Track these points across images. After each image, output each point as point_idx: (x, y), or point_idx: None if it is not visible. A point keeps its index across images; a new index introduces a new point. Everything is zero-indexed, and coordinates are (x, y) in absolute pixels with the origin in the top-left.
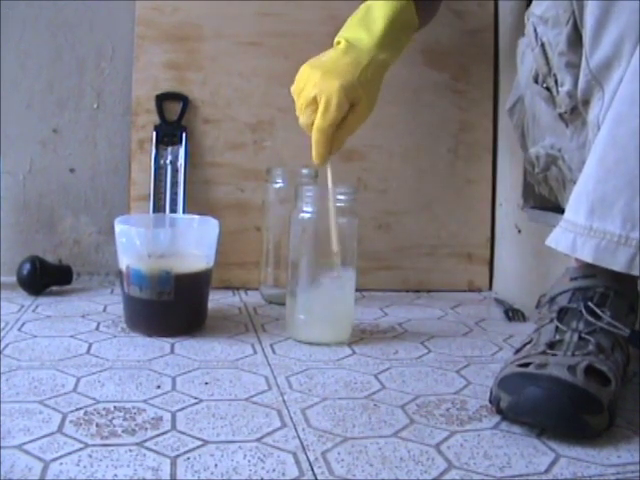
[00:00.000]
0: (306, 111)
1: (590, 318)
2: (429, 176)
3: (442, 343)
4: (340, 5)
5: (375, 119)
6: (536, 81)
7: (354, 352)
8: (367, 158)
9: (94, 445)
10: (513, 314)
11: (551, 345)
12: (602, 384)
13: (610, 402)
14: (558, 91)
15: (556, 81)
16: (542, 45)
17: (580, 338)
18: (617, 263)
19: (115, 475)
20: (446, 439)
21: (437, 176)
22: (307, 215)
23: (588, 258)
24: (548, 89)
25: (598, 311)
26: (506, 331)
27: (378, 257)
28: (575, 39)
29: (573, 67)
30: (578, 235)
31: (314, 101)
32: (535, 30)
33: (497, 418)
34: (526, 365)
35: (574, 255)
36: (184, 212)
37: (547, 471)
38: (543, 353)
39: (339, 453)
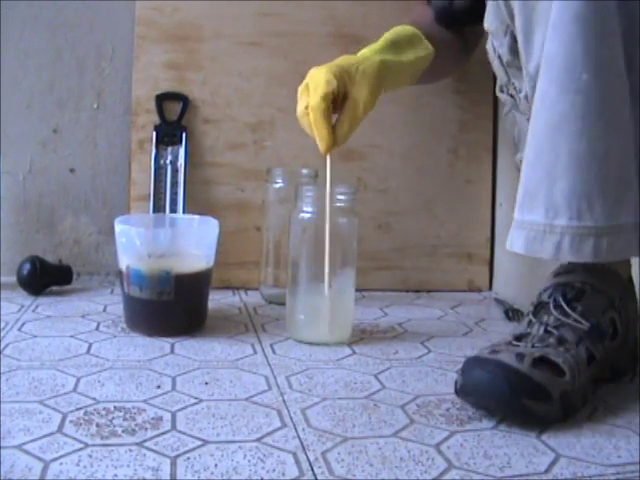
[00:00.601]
0: (301, 99)
1: (555, 312)
2: (429, 176)
3: (442, 343)
4: (340, 5)
5: (375, 119)
6: (502, 91)
7: (354, 352)
8: (367, 158)
9: (94, 445)
10: (513, 314)
11: (519, 337)
12: (557, 375)
13: (563, 393)
14: (520, 98)
15: (515, 88)
16: (499, 56)
17: (545, 331)
18: (545, 251)
19: (115, 475)
20: (446, 439)
21: (437, 176)
22: (307, 215)
23: (521, 250)
24: (513, 97)
25: (565, 306)
26: (506, 331)
27: (378, 257)
28: (516, 48)
29: (522, 73)
30: (514, 229)
31: (306, 88)
32: (492, 43)
33: (497, 418)
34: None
35: (511, 249)
36: (184, 212)
37: (547, 471)
38: (509, 344)
39: (339, 453)
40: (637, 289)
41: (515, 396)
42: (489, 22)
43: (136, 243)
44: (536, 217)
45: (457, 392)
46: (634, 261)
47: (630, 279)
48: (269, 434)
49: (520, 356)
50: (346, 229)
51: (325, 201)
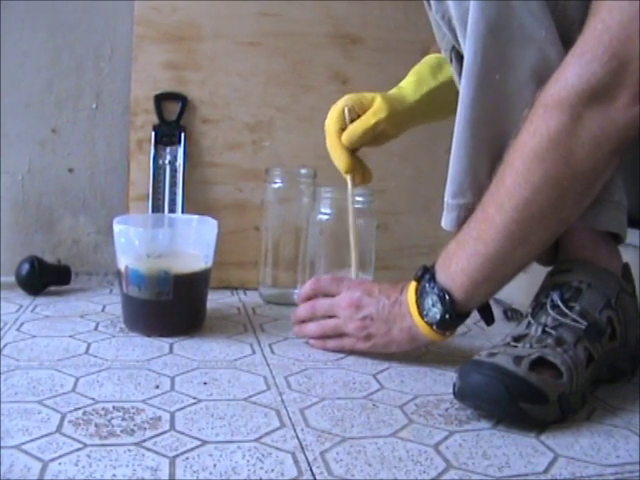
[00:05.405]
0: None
1: (552, 313)
2: (428, 176)
3: (441, 343)
4: (339, 5)
5: None
6: None
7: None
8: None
9: (93, 445)
10: (512, 314)
11: (517, 338)
12: (554, 376)
13: (561, 395)
14: None
15: None
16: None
17: (543, 332)
18: (447, 224)
19: (114, 475)
20: (445, 439)
21: (436, 176)
22: (325, 217)
23: (445, 226)
24: None
25: (562, 306)
26: (505, 331)
27: (377, 257)
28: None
29: None
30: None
31: None
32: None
33: (495, 419)
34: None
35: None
36: (183, 212)
37: (546, 471)
38: (507, 345)
39: (338, 453)
40: (637, 289)
41: (511, 399)
42: (438, 40)
43: (135, 243)
44: (447, 198)
45: (455, 395)
46: (634, 261)
47: (629, 279)
48: (268, 434)
49: (517, 359)
50: (365, 230)
51: (349, 213)
